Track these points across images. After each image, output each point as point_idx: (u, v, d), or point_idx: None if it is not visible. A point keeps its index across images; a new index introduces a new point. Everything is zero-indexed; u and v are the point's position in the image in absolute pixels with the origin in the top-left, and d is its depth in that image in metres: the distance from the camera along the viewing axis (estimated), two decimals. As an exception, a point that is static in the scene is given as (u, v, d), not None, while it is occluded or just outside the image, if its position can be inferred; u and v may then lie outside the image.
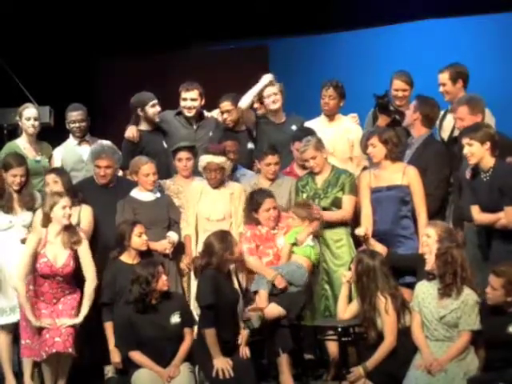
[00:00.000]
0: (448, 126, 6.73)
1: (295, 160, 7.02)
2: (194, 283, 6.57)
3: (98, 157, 6.79)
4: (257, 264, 6.36)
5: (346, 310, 6.06)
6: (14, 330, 6.44)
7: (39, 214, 6.39)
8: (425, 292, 5.68)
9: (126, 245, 6.37)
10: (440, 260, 5.59)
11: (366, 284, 5.79)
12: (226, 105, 7.40)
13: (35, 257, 6.13)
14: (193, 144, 7.07)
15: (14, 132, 7.59)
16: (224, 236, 6.13)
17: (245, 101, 7.34)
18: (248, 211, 6.51)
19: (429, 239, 5.85)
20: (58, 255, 6.15)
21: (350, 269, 6.13)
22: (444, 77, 6.73)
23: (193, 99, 7.38)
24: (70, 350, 5.99)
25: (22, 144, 7.25)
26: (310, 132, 6.90)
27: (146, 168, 6.71)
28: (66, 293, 6.21)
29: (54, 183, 6.62)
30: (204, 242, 6.19)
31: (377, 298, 5.74)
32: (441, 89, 6.77)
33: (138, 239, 6.37)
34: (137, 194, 6.76)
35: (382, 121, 6.96)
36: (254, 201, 6.44)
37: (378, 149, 6.39)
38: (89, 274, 6.22)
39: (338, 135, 7.16)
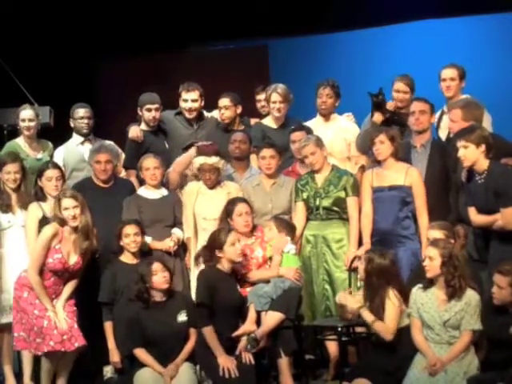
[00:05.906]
0: (445, 125, 6.73)
1: (294, 152, 6.95)
2: (194, 283, 6.59)
3: (97, 152, 6.83)
4: (261, 272, 6.29)
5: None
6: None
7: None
8: (423, 298, 5.60)
9: (121, 245, 6.42)
10: (448, 265, 5.46)
11: (376, 282, 5.67)
12: (223, 101, 7.39)
13: (48, 250, 6.11)
14: (188, 143, 7.08)
15: (14, 132, 7.59)
16: (230, 231, 6.09)
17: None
18: (223, 220, 6.38)
19: None
20: (71, 252, 6.16)
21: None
22: (455, 72, 6.78)
23: (193, 100, 7.39)
24: (77, 344, 6.01)
25: (22, 143, 7.25)
26: (307, 128, 6.91)
27: (147, 162, 6.76)
28: None
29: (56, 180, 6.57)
30: (211, 235, 6.13)
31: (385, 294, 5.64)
32: (447, 83, 6.79)
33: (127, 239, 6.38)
34: (143, 191, 6.81)
35: (378, 118, 6.95)
36: (227, 208, 6.37)
37: (385, 145, 6.38)
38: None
39: (336, 135, 7.14)
